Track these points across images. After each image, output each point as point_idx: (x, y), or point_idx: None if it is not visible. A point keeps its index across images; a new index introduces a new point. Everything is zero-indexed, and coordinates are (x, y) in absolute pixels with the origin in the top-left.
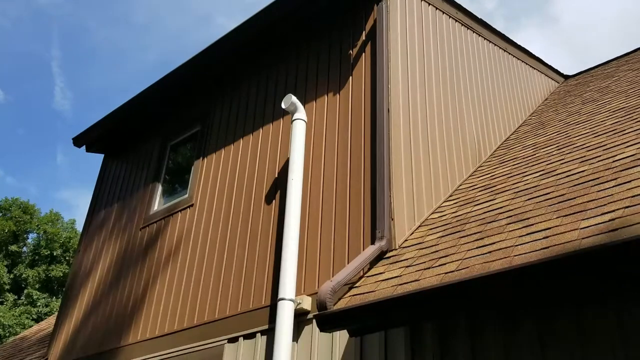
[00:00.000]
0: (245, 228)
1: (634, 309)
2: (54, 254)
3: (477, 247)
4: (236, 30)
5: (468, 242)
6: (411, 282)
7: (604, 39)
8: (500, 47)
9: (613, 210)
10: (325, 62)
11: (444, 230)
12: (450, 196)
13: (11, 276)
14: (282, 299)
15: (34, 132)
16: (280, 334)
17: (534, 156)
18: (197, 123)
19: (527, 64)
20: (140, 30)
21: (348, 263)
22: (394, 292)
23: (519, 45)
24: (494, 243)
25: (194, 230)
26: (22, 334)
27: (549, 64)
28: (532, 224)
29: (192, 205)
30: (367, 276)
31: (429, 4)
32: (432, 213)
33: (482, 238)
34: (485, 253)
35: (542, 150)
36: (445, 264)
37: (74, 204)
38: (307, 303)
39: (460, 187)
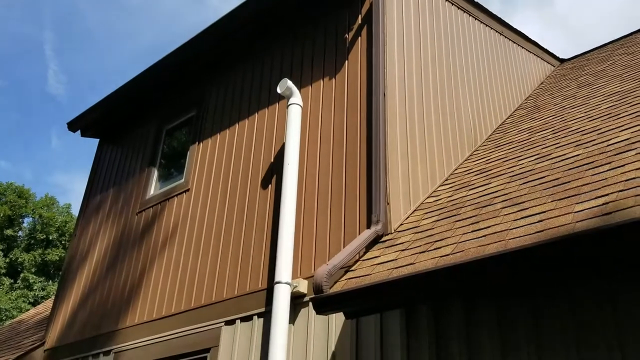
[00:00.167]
0: (242, 212)
1: (628, 292)
2: (50, 238)
3: (472, 231)
4: (231, 14)
5: (463, 226)
6: (406, 265)
7: (599, 22)
8: (496, 31)
9: (607, 194)
10: (321, 47)
11: (440, 214)
12: (446, 180)
13: (7, 260)
14: (279, 282)
15: (28, 116)
16: (276, 317)
17: (530, 140)
18: (192, 107)
19: (523, 47)
20: (133, 13)
21: (344, 247)
22: (389, 276)
23: (515, 29)
24: (488, 227)
25: (190, 214)
26: (19, 318)
27: (545, 47)
28: (527, 208)
29: (188, 190)
30: (363, 260)
31: None
32: (427, 197)
33: (477, 222)
34: (480, 237)
35: (538, 134)
36: (440, 247)
37: (69, 188)
38: (303, 286)
39: (456, 171)
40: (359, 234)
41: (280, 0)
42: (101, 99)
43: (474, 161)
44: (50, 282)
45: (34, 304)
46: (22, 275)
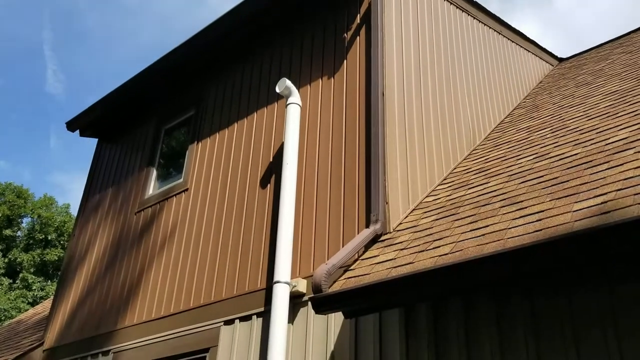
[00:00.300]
0: (241, 212)
1: (626, 290)
2: (49, 238)
3: (470, 230)
4: (230, 13)
5: (462, 225)
6: (405, 264)
7: (598, 21)
8: (494, 30)
9: (605, 193)
10: (319, 46)
11: (438, 213)
12: (445, 179)
13: (6, 260)
14: (278, 282)
15: (27, 115)
16: (275, 316)
17: (528, 139)
18: (191, 107)
19: (521, 46)
20: (133, 13)
21: (343, 246)
22: (388, 275)
23: (514, 28)
24: (487, 226)
25: (189, 214)
26: (18, 318)
27: (544, 46)
28: (526, 207)
29: (187, 190)
30: (362, 259)
31: None
32: (426, 196)
33: (476, 221)
34: (479, 236)
35: (536, 133)
36: (439, 246)
37: (67, 187)
38: (302, 286)
39: (455, 171)
40: (358, 233)
41: (278, 2)
42: (100, 99)
43: (472, 160)
44: (49, 282)
45: (33, 304)
46: (21, 275)
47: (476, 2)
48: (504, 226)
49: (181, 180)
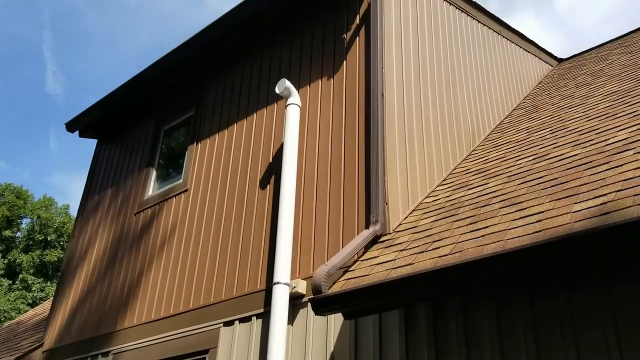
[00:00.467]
0: (240, 212)
1: (626, 291)
2: (48, 239)
3: (470, 231)
4: (229, 14)
5: (461, 226)
6: (405, 265)
7: (598, 22)
8: (494, 31)
9: (605, 194)
10: (319, 46)
11: (438, 214)
12: (444, 180)
13: (5, 261)
14: (277, 283)
15: (26, 116)
16: (275, 317)
17: (528, 140)
18: (191, 107)
19: (521, 47)
20: (132, 13)
21: (343, 247)
22: (388, 276)
23: (513, 29)
24: (487, 227)
25: (189, 215)
26: (18, 319)
27: (543, 47)
28: (525, 208)
29: (186, 190)
30: (362, 260)
31: None
32: (426, 197)
33: (476, 222)
34: (479, 237)
35: (536, 134)
36: (439, 247)
37: (67, 188)
38: (302, 287)
39: (454, 171)
40: (358, 234)
41: (278, 1)
42: (99, 100)
43: (472, 161)
44: (49, 283)
45: (33, 305)
46: (20, 276)
47: (475, 2)
48: (504, 227)
49: (181, 180)
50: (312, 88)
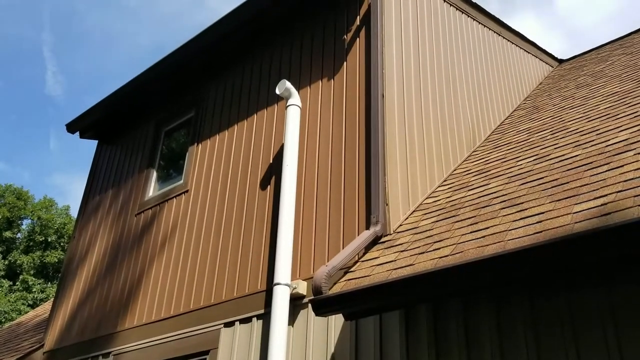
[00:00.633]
0: (241, 214)
1: (626, 292)
2: (49, 240)
3: (471, 232)
4: (230, 16)
5: (462, 227)
6: (406, 266)
7: (599, 22)
8: (494, 31)
9: (605, 195)
10: (319, 48)
11: (439, 215)
12: (445, 181)
13: (6, 262)
14: (278, 284)
15: (26, 117)
16: (275, 318)
17: (528, 141)
18: (191, 108)
19: (521, 48)
20: (132, 14)
21: (343, 248)
22: (388, 277)
23: (513, 29)
24: (487, 228)
25: (189, 215)
26: (18, 320)
27: (543, 47)
28: (526, 209)
29: (187, 191)
30: (362, 261)
31: None
32: (426, 198)
33: (476, 223)
34: (479, 238)
35: (536, 134)
36: (439, 248)
37: (67, 189)
38: (302, 287)
39: (455, 172)
40: (358, 234)
41: (279, 2)
42: (100, 101)
43: (472, 162)
44: (49, 284)
45: (33, 306)
46: (21, 277)
47: (475, 3)
48: (504, 228)
49: (181, 181)
50: (313, 89)
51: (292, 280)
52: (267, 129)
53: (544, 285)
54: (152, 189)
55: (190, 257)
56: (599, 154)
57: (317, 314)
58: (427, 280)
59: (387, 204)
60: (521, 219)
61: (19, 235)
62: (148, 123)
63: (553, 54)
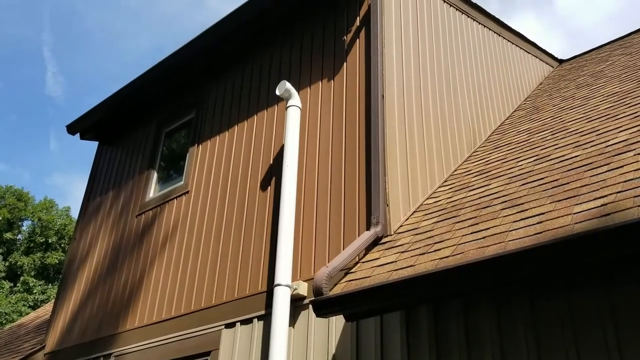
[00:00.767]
0: (241, 214)
1: (627, 292)
2: (49, 241)
3: (471, 233)
4: (230, 16)
5: (463, 228)
6: (406, 267)
7: (599, 23)
8: (494, 32)
9: (606, 195)
10: (319, 49)
11: (439, 215)
12: (445, 182)
13: (6, 264)
14: (279, 285)
15: (26, 118)
16: (276, 320)
17: (528, 141)
18: (191, 110)
19: (521, 48)
20: (133, 15)
21: (344, 249)
22: (389, 278)
23: (514, 30)
24: (488, 228)
25: (190, 216)
26: (19, 321)
27: (543, 48)
28: (526, 209)
29: (187, 192)
30: (363, 262)
31: None
32: (427, 199)
33: (477, 223)
34: (480, 238)
35: (536, 135)
36: (440, 249)
37: (68, 190)
38: (303, 289)
39: (455, 173)
40: (359, 235)
41: (278, 2)
42: (100, 102)
43: (473, 162)
44: (50, 285)
45: (34, 307)
46: (21, 278)
47: (475, 4)
48: (505, 228)
49: (182, 182)
50: (313, 90)
51: (292, 281)
52: (267, 130)
53: (545, 285)
54: (153, 190)
55: (191, 257)
56: (599, 155)
57: (317, 315)
58: (427, 281)
59: (387, 205)
60: (522, 219)
61: (19, 236)
62: (149, 124)
63: (553, 54)
